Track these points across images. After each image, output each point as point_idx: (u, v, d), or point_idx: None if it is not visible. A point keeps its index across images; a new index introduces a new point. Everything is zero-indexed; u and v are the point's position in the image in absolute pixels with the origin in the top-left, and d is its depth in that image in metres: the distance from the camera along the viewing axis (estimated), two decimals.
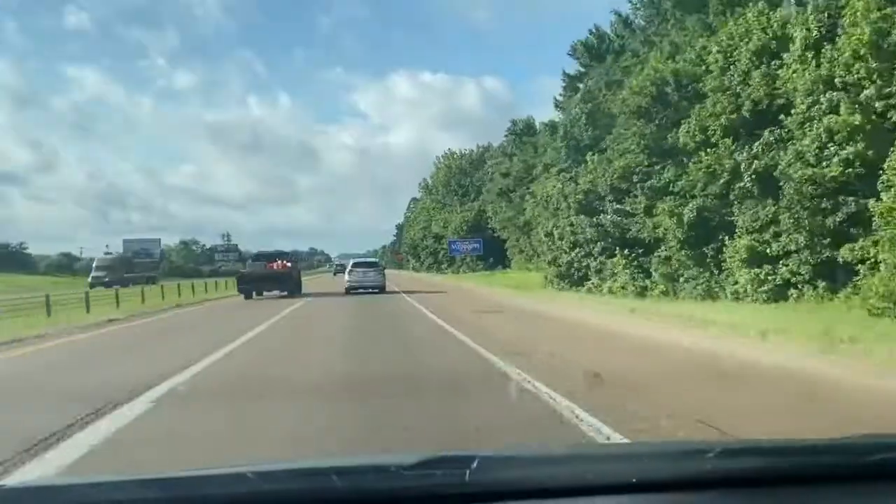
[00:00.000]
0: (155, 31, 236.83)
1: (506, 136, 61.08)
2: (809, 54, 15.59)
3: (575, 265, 23.96)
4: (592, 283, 23.77)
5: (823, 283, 15.33)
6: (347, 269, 29.78)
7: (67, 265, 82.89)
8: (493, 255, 59.92)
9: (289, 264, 28.65)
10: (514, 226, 46.39)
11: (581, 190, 23.41)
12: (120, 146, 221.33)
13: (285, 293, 26.88)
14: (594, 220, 22.82)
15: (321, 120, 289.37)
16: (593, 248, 23.19)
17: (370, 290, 27.59)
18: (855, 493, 1.62)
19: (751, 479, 1.65)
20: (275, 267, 27.76)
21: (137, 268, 66.12)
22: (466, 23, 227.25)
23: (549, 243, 25.92)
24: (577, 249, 23.82)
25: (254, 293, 26.93)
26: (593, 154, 23.95)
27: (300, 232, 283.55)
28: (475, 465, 1.56)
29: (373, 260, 35.63)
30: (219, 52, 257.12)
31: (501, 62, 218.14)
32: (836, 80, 14.66)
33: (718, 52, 18.93)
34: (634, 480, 1.60)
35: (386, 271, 31.96)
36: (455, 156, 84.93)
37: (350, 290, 27.57)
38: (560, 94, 42.02)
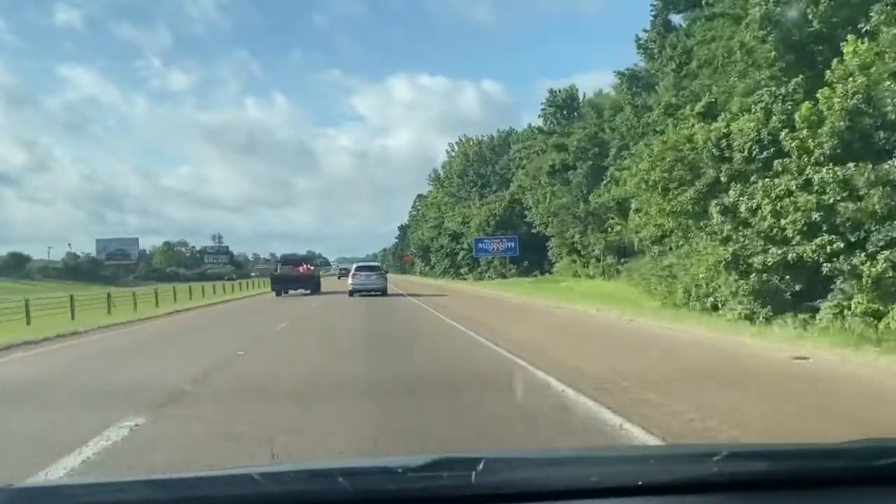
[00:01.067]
0: (149, 30, 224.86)
1: (543, 109, 49.75)
2: None
3: (826, 271, 11.57)
4: (836, 306, 11.55)
5: None
6: (351, 273, 30.45)
7: (16, 266, 70.23)
8: (529, 258, 47.87)
9: (312, 267, 33.55)
10: (571, 216, 34.13)
11: (838, 110, 11.19)
12: (114, 147, 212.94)
13: (308, 291, 31.44)
14: (878, 171, 10.64)
15: (319, 122, 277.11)
16: (872, 232, 10.98)
17: (373, 294, 28.18)
18: (859, 497, 1.57)
19: (756, 483, 1.60)
20: (300, 270, 32.22)
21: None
22: (466, 24, 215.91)
23: (729, 229, 13.69)
24: (823, 237, 11.55)
25: (282, 291, 31.65)
26: (860, 39, 11.65)
27: (298, 235, 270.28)
28: (481, 466, 1.53)
29: (374, 264, 36.65)
30: (214, 52, 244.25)
31: (500, 65, 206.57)
32: None
33: None
34: (640, 483, 1.56)
35: (390, 276, 34.15)
36: (472, 142, 72.45)
37: (353, 293, 28.21)
38: (645, 30, 29.96)
